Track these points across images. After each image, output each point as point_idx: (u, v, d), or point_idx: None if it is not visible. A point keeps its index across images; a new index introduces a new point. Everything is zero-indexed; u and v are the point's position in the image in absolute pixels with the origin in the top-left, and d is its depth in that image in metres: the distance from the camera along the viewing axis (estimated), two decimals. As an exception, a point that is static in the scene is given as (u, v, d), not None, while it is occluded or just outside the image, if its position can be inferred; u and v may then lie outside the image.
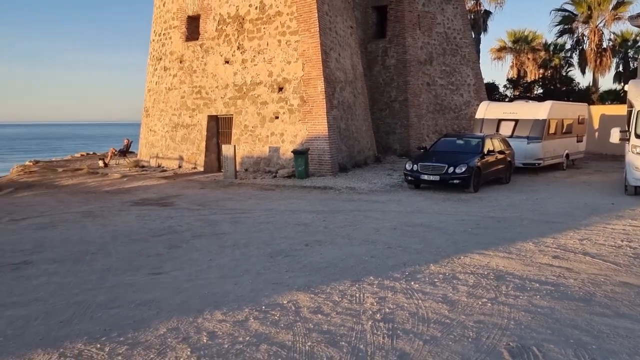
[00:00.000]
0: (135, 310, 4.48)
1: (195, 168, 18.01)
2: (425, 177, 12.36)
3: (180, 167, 18.53)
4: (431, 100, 20.94)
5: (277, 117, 15.96)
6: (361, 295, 4.84)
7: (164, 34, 19.31)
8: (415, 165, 12.63)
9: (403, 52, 20.70)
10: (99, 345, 3.73)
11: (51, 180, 18.11)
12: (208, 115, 17.70)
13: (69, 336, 3.91)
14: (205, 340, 3.81)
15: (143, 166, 19.78)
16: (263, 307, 4.52)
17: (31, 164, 23.51)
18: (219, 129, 17.93)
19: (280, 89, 15.83)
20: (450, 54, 21.32)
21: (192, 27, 18.25)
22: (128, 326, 4.11)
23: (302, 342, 3.76)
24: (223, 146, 16.12)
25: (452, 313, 4.38)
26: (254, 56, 16.33)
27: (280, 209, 10.22)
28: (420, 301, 4.66)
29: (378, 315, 4.31)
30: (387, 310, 4.44)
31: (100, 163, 21.59)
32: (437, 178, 12.18)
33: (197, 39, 17.97)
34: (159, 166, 19.34)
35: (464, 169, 11.97)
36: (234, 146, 15.72)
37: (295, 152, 14.88)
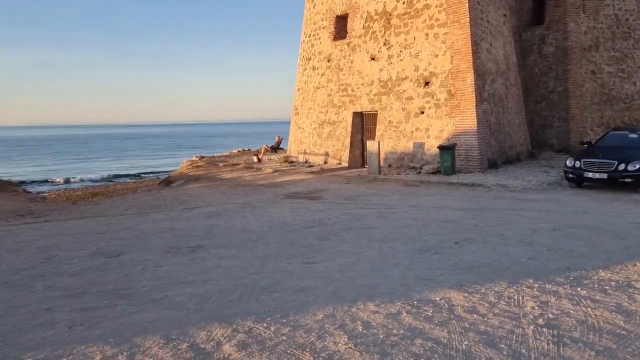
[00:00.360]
0: (294, 296, 4.78)
1: (339, 164, 18.54)
2: (590, 175, 11.22)
3: (325, 162, 19.23)
4: (596, 90, 18.89)
5: (422, 112, 15.72)
6: (520, 298, 4.57)
7: (313, 34, 20.14)
8: (577, 162, 11.54)
9: (564, 38, 18.98)
10: (265, 325, 4.06)
11: (214, 174, 20.05)
12: (353, 112, 18.07)
13: (239, 314, 4.32)
14: (360, 329, 3.93)
15: (292, 161, 20.93)
16: (415, 302, 4.51)
17: (197, 159, 26.25)
18: (363, 125, 18.22)
19: (427, 84, 15.56)
20: (621, 38, 19.02)
21: (340, 26, 18.77)
22: (289, 310, 4.40)
23: (458, 340, 3.69)
24: (367, 142, 16.35)
25: (629, 324, 3.93)
26: (400, 51, 16.26)
27: (426, 205, 10.07)
28: (589, 309, 4.27)
29: (540, 320, 4.04)
30: (550, 315, 4.15)
31: (255, 159, 23.32)
32: (604, 176, 10.98)
33: (344, 37, 18.44)
34: (306, 162, 20.29)
35: (637, 166, 10.63)
36: (379, 142, 15.84)
37: (441, 147, 14.52)
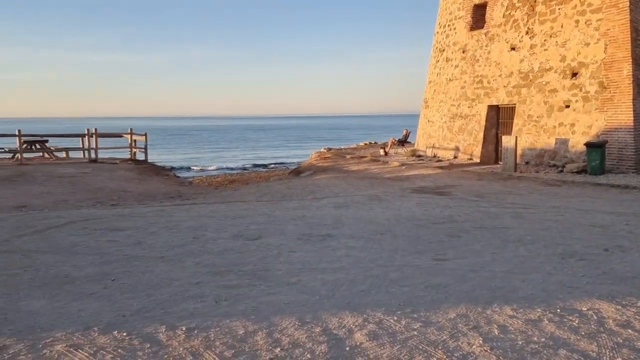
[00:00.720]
0: (425, 292, 4.71)
1: (471, 159, 17.80)
2: None
3: (455, 157, 18.59)
4: None
5: (567, 106, 14.47)
6: (687, 317, 4.02)
7: (448, 25, 19.52)
8: None
9: None
10: (395, 318, 4.07)
11: (341, 166, 20.44)
12: (488, 105, 17.22)
13: (369, 305, 4.37)
14: (496, 333, 3.76)
15: (419, 155, 20.56)
16: (558, 310, 4.19)
17: (325, 150, 26.97)
18: (499, 119, 17.29)
19: (574, 75, 14.28)
20: None
21: (478, 16, 17.95)
22: (420, 305, 4.36)
23: (609, 356, 3.36)
24: (503, 137, 15.48)
25: None
26: (545, 40, 15.09)
27: (570, 207, 9.28)
28: None
29: None
30: None
31: (381, 152, 23.31)
32: None
33: (481, 27, 17.60)
34: (434, 156, 19.80)
35: None
36: (516, 137, 14.91)
37: (589, 144, 13.25)
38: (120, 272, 5.46)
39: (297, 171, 22.91)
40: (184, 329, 3.91)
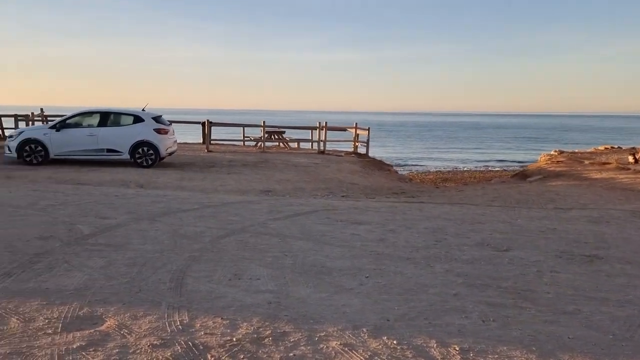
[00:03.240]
0: None
1: None
2: None
3: None
4: None
5: None
6: None
7: None
8: None
9: None
10: None
11: (578, 172, 18.06)
12: None
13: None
14: None
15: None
16: None
17: (556, 153, 24.28)
18: None
19: None
20: None
21: None
22: None
23: None
24: None
25: None
26: None
27: None
28: None
29: None
30: None
31: (630, 158, 19.95)
32: None
33: None
34: None
35: None
36: None
37: None
38: (372, 269, 5.40)
39: (523, 174, 21.05)
40: (457, 348, 3.55)
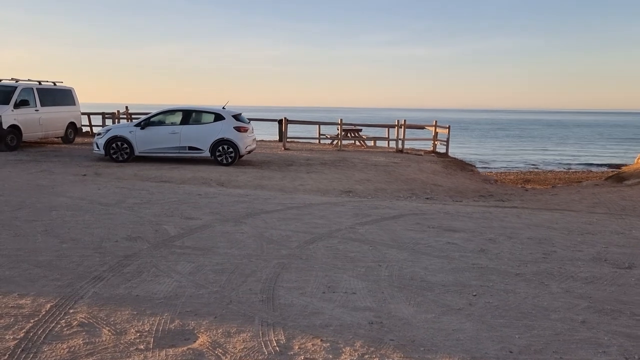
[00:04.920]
0: None
1: None
2: None
3: None
4: None
5: None
6: None
7: None
8: None
9: None
10: None
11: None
12: None
13: None
14: None
15: None
16: None
17: (659, 154, 22.00)
18: None
19: None
20: None
21: None
22: None
23: None
24: None
25: None
26: None
27: None
28: None
29: None
30: None
31: None
32: None
33: None
34: None
35: None
36: None
37: None
38: (478, 285, 4.83)
39: (619, 177, 19.24)
40: (605, 396, 2.94)
